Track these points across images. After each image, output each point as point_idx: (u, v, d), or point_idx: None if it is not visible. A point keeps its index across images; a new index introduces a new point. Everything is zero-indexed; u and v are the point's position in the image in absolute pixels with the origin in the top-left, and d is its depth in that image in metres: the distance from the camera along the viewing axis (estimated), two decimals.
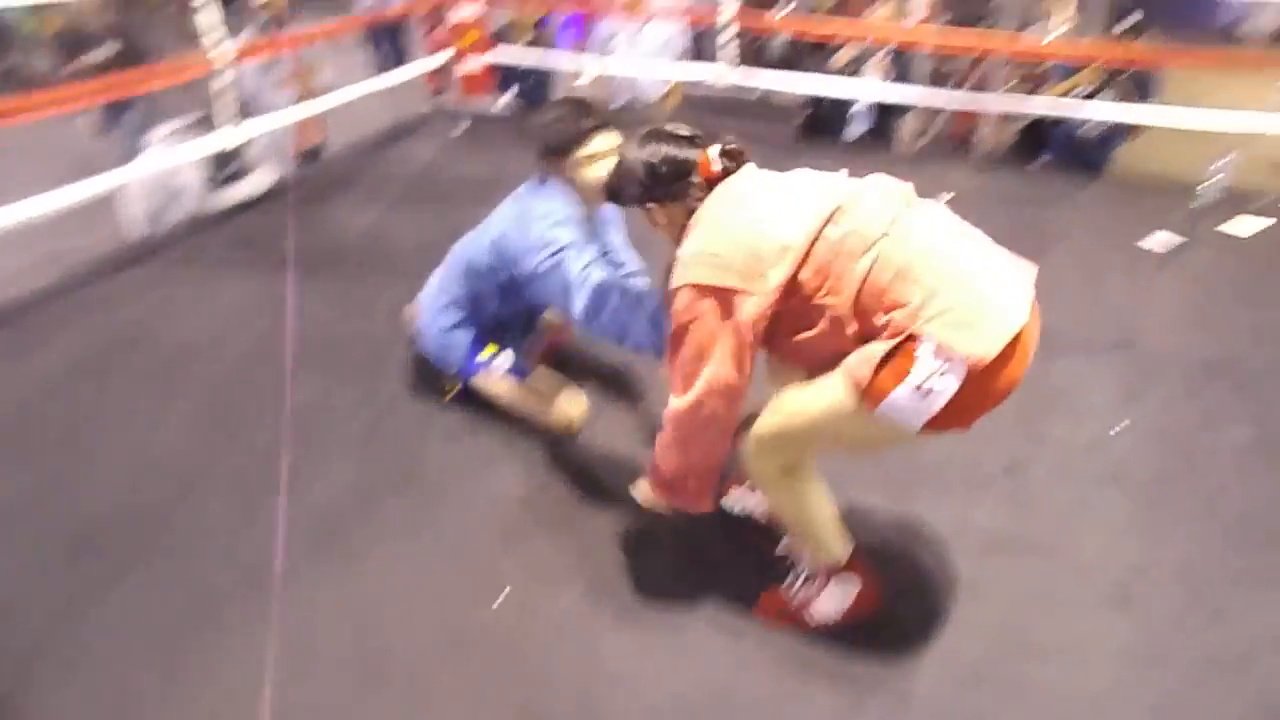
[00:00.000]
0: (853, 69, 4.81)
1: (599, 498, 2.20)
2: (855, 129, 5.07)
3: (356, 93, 4.53)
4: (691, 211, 1.64)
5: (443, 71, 5.18)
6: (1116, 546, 2.06)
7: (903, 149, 5.01)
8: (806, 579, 1.83)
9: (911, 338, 1.42)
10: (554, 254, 2.05)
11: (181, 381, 2.66)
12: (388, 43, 7.56)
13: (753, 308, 1.52)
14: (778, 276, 1.50)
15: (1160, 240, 3.72)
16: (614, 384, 2.67)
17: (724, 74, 4.67)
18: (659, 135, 1.68)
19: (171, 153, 3.67)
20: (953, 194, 3.97)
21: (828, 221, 1.50)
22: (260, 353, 2.77)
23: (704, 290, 1.54)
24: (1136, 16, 4.40)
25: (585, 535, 2.08)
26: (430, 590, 1.93)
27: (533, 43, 5.42)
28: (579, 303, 2.00)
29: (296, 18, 4.62)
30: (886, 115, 5.02)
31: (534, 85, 5.46)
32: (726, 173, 1.64)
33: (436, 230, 3.64)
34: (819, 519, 1.74)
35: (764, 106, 5.69)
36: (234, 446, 2.36)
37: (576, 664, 1.77)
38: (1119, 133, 4.50)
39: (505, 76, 5.39)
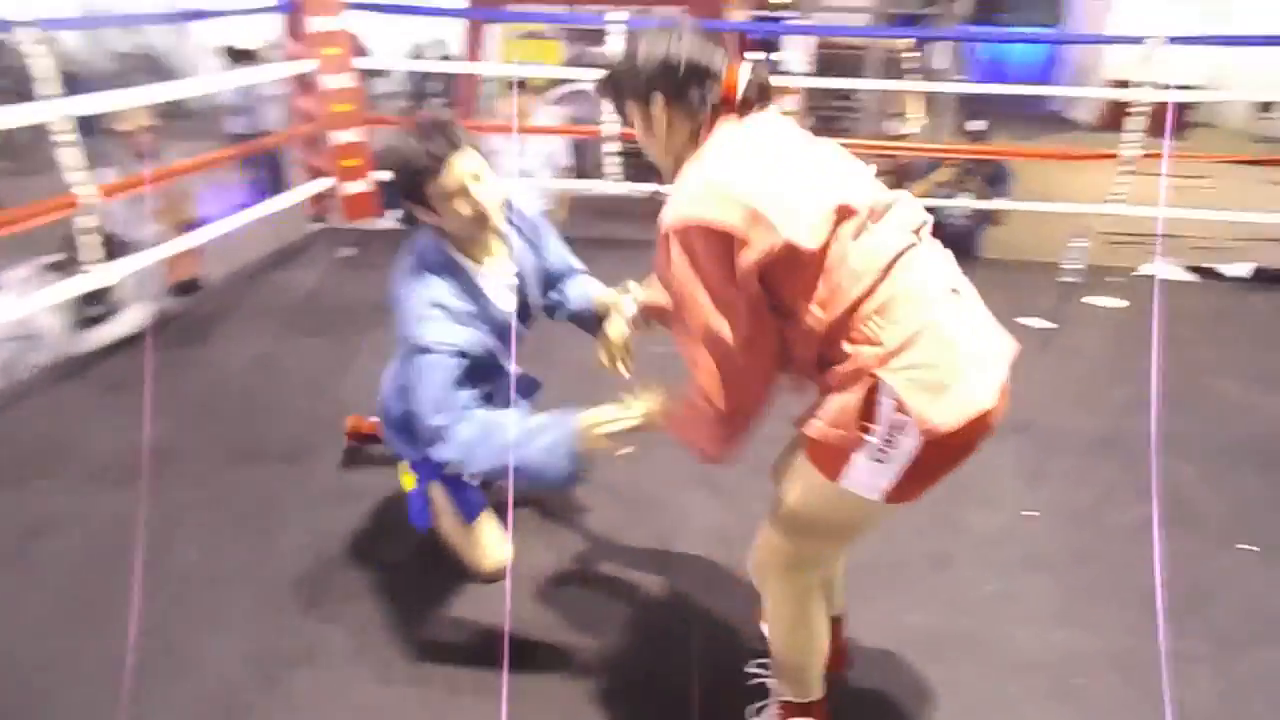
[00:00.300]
0: None
1: (528, 662, 2.06)
2: None
3: (233, 224, 4.38)
4: (696, 131, 1.41)
5: (324, 194, 5.09)
6: (1048, 636, 2.07)
7: None
8: (766, 709, 1.73)
9: (874, 386, 1.32)
10: (414, 360, 1.75)
11: (38, 560, 2.34)
12: (263, 167, 7.44)
13: (753, 255, 1.30)
14: (792, 234, 1.29)
15: (1037, 319, 3.94)
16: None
17: (609, 186, 4.77)
18: (682, 30, 1.42)
19: (29, 297, 3.42)
20: None
21: (851, 218, 1.34)
22: (133, 515, 2.53)
23: (694, 232, 1.31)
24: (981, 124, 4.78)
25: (534, 691, 1.93)
26: None
27: None
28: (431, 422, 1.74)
29: (165, 144, 4.47)
30: None
31: None
32: (748, 105, 1.41)
33: (327, 359, 3.51)
34: (811, 646, 1.62)
35: (653, 206, 5.84)
36: (98, 632, 2.02)
37: None
38: (985, 219, 4.81)
39: (390, 194, 5.34)
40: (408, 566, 2.30)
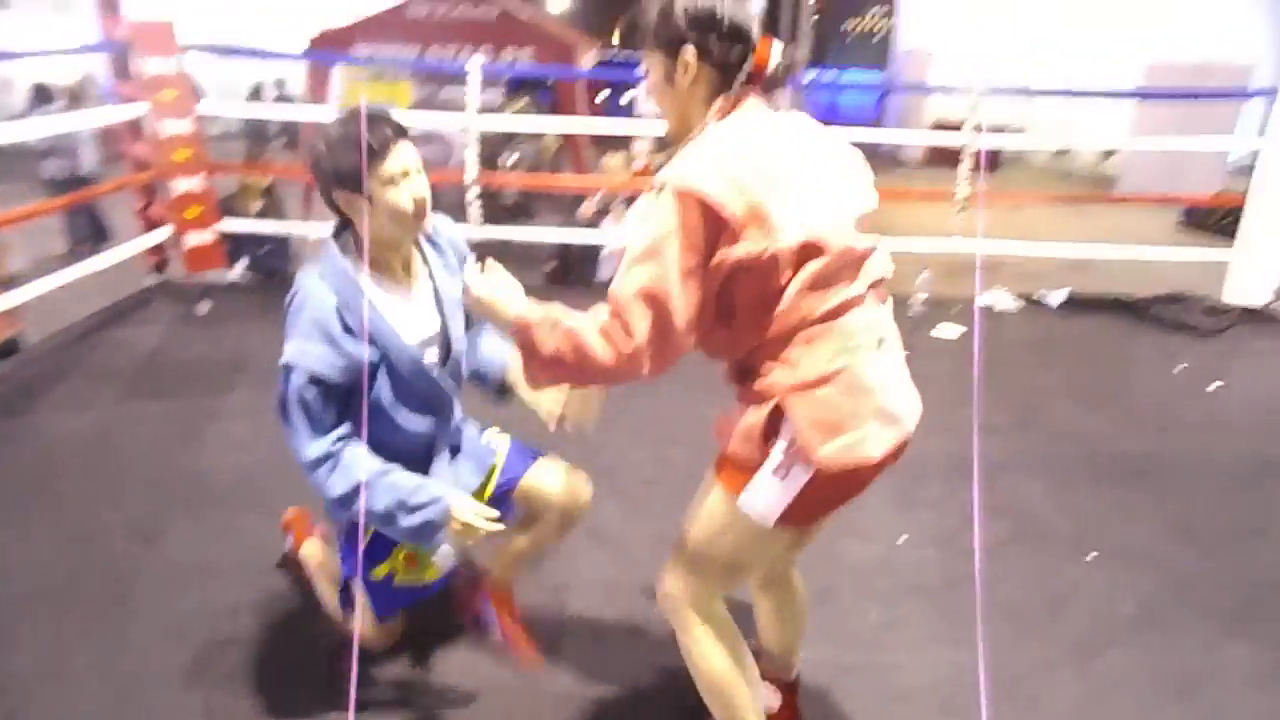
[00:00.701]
0: (599, 217, 5.05)
1: None
2: (606, 270, 5.29)
3: (58, 280, 4.02)
4: (716, 94, 1.38)
5: (163, 246, 4.76)
6: (930, 660, 2.17)
7: None
8: None
9: (779, 409, 1.37)
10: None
11: None
12: (85, 216, 6.92)
13: (738, 251, 1.30)
14: (783, 246, 1.30)
15: None
16: None
17: (474, 231, 4.71)
18: None
19: None
20: None
21: (825, 255, 1.36)
22: None
23: (693, 200, 1.28)
24: None
25: None
26: None
27: (265, 209, 5.16)
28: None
29: None
30: None
31: (269, 253, 5.17)
32: (774, 83, 1.41)
33: (173, 427, 3.26)
34: (730, 679, 1.59)
35: (511, 251, 5.80)
36: None
37: None
38: None
39: (235, 245, 5.06)
40: (280, 648, 2.15)
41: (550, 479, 1.97)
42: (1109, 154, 12.92)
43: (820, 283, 1.36)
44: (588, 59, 9.45)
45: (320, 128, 1.68)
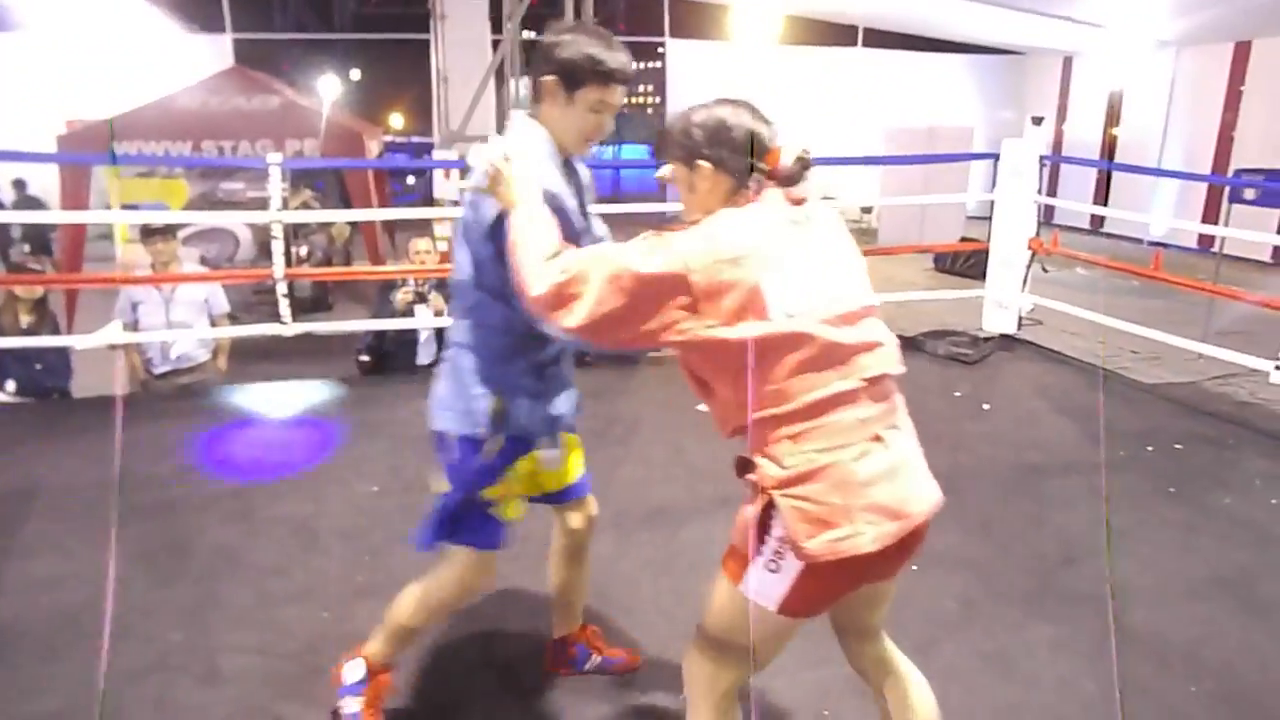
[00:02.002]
0: (414, 303, 5.02)
1: None
2: (424, 355, 5.25)
3: None
4: (734, 192, 1.54)
5: None
6: (799, 678, 2.35)
7: None
8: None
9: (770, 503, 1.47)
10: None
11: None
12: None
13: (684, 320, 1.45)
14: (729, 334, 1.43)
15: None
16: None
17: (284, 328, 4.54)
18: (740, 103, 1.57)
19: None
20: None
21: (806, 347, 1.45)
22: None
23: (673, 274, 1.44)
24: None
25: None
26: None
27: (34, 325, 4.69)
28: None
29: None
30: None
31: (44, 371, 4.69)
32: (791, 180, 1.54)
33: None
34: None
35: (322, 343, 5.64)
36: None
37: None
38: None
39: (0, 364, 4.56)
40: None
41: (588, 510, 2.21)
42: (867, 209, 14.46)
43: (802, 370, 1.45)
44: (374, 146, 9.42)
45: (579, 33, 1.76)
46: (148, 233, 4.58)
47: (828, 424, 1.45)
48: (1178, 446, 4.11)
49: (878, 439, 1.50)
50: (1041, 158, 5.47)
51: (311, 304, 8.52)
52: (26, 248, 10.72)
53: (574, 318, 1.47)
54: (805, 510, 1.43)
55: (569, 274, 1.48)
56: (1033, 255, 5.66)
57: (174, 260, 4.67)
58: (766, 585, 1.50)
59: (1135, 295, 6.73)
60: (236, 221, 7.30)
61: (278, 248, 4.43)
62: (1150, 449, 4.08)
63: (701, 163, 1.54)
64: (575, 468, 2.13)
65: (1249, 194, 7.18)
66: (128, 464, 3.78)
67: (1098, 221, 12.34)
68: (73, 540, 3.09)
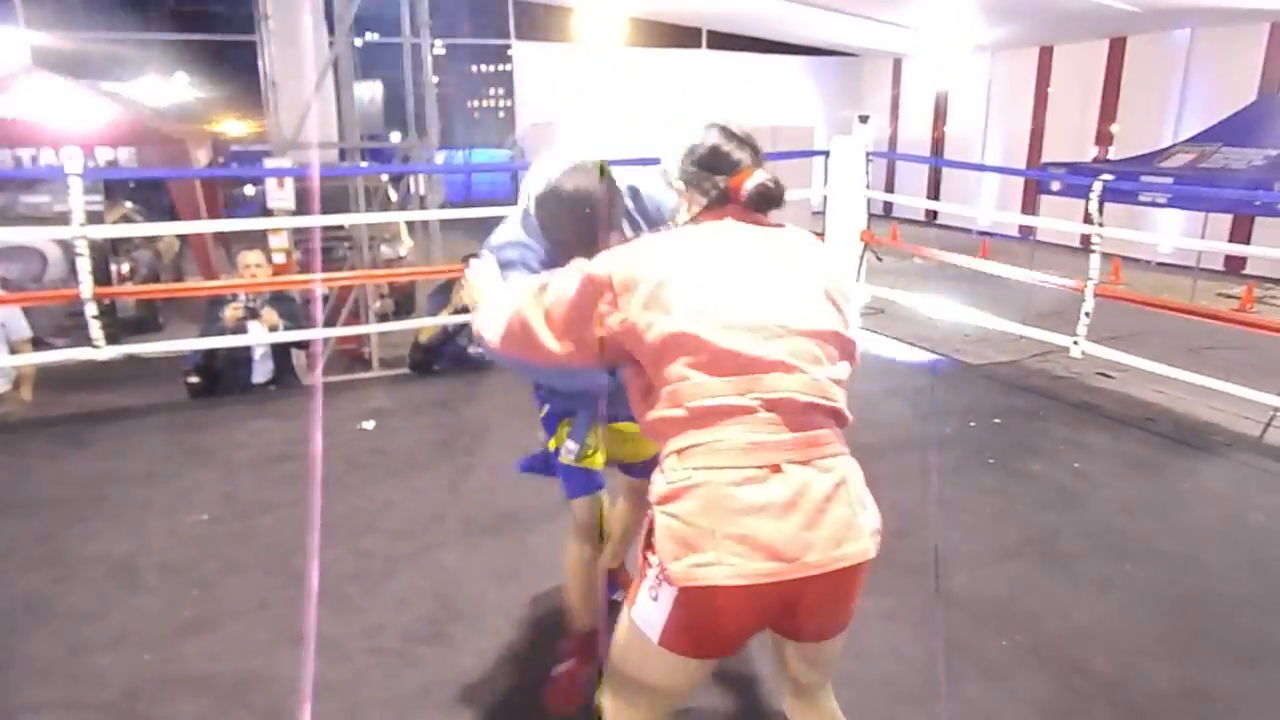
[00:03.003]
0: (245, 319, 4.76)
1: None
2: (260, 373, 5.00)
3: None
4: (704, 213, 1.55)
5: None
6: None
7: (308, 380, 5.10)
8: None
9: (653, 520, 1.40)
10: None
11: None
12: None
13: (608, 313, 1.47)
14: (669, 322, 1.41)
15: None
16: None
17: (98, 352, 4.20)
18: (717, 125, 1.58)
19: None
20: (373, 423, 4.22)
21: (705, 355, 1.40)
22: None
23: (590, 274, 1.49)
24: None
25: None
26: None
27: None
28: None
29: None
30: (286, 356, 5.07)
31: None
32: (750, 206, 1.51)
33: None
34: None
35: (147, 366, 5.26)
36: None
37: None
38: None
39: None
40: None
41: None
42: None
43: (695, 371, 1.39)
44: (202, 154, 8.86)
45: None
46: None
47: (714, 440, 1.37)
48: (997, 421, 4.43)
49: (776, 469, 1.36)
50: (869, 154, 5.77)
51: (138, 325, 7.92)
52: None
53: (519, 338, 1.59)
54: (674, 529, 1.35)
55: (513, 311, 1.60)
56: (865, 247, 5.97)
57: None
58: (648, 613, 1.41)
59: (965, 281, 7.19)
60: (41, 238, 6.69)
61: (83, 265, 4.08)
62: (973, 424, 4.38)
63: (676, 182, 1.60)
64: (647, 450, 2.14)
65: (1055, 186, 7.82)
66: None
67: (932, 214, 13.08)
68: None
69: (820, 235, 6.46)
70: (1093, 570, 2.99)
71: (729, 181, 1.52)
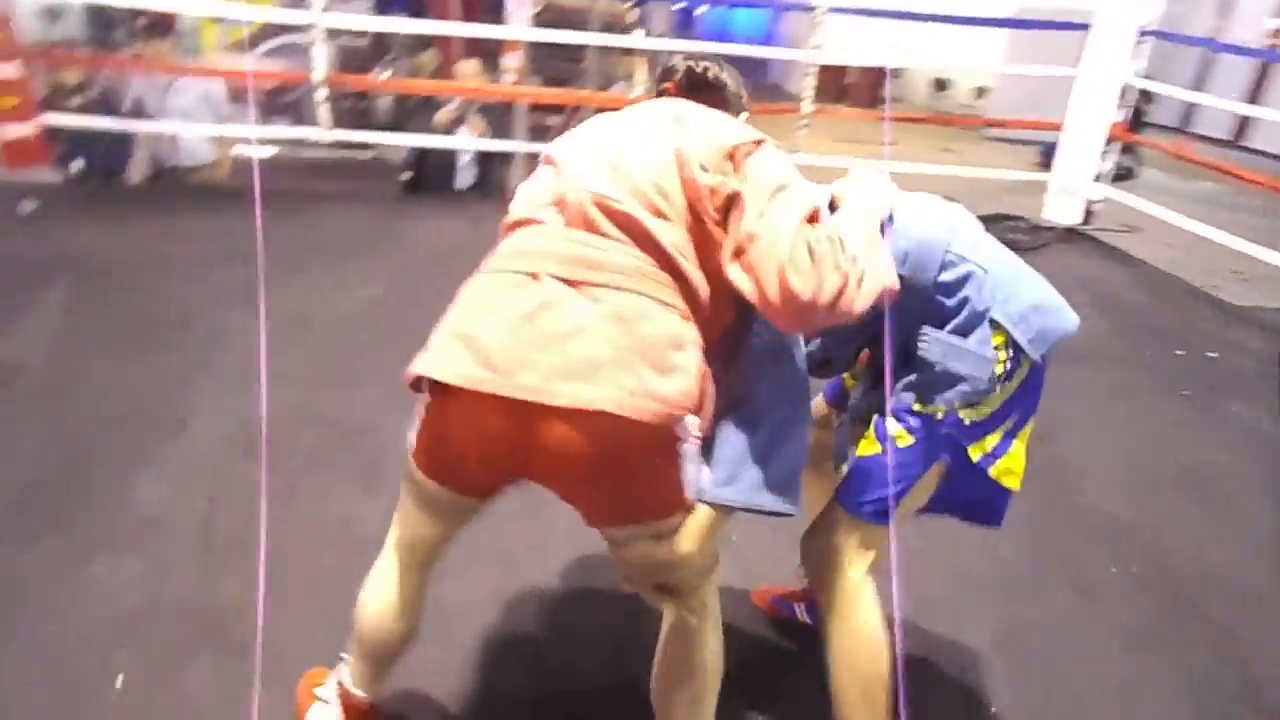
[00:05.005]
0: (455, 124, 5.03)
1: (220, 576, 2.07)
2: (463, 179, 5.30)
3: None
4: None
5: None
6: None
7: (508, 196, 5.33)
8: None
9: None
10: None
11: None
12: None
13: None
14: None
15: None
16: None
17: (321, 134, 4.62)
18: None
19: None
20: None
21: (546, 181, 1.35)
22: None
23: None
24: None
25: (213, 609, 1.94)
26: (27, 711, 1.68)
27: (85, 106, 4.86)
28: None
29: None
30: (490, 165, 5.32)
31: (108, 153, 4.91)
32: (680, 88, 1.49)
33: None
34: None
35: (366, 166, 5.74)
36: None
37: None
38: None
39: (71, 144, 4.81)
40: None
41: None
42: (982, 92, 13.44)
43: (520, 200, 1.36)
44: None
45: None
46: (147, 35, 4.78)
47: (494, 257, 1.30)
48: (1211, 355, 3.86)
49: (533, 277, 1.21)
50: (1143, 32, 4.94)
51: (385, 124, 8.51)
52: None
53: None
54: (443, 325, 1.26)
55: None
56: (1115, 146, 5.22)
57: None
58: (411, 424, 1.34)
59: (1261, 215, 6.00)
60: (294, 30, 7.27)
61: (319, 52, 4.44)
62: (1181, 353, 3.84)
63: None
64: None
65: None
66: (167, 248, 4.01)
67: (1241, 130, 10.52)
68: (90, 306, 3.34)
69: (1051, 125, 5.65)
70: (1251, 521, 2.63)
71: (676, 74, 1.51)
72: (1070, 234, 5.31)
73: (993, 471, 1.51)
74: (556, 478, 1.26)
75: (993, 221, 5.29)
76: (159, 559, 2.08)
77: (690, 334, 1.24)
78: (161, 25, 4.84)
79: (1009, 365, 1.46)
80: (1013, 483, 1.54)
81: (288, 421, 2.63)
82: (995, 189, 6.14)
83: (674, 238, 1.24)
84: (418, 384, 1.27)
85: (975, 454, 1.49)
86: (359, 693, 1.53)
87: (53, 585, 1.97)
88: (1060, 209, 5.30)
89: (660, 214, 1.24)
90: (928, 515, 1.59)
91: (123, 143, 4.99)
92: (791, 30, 15.55)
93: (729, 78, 1.51)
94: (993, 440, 1.50)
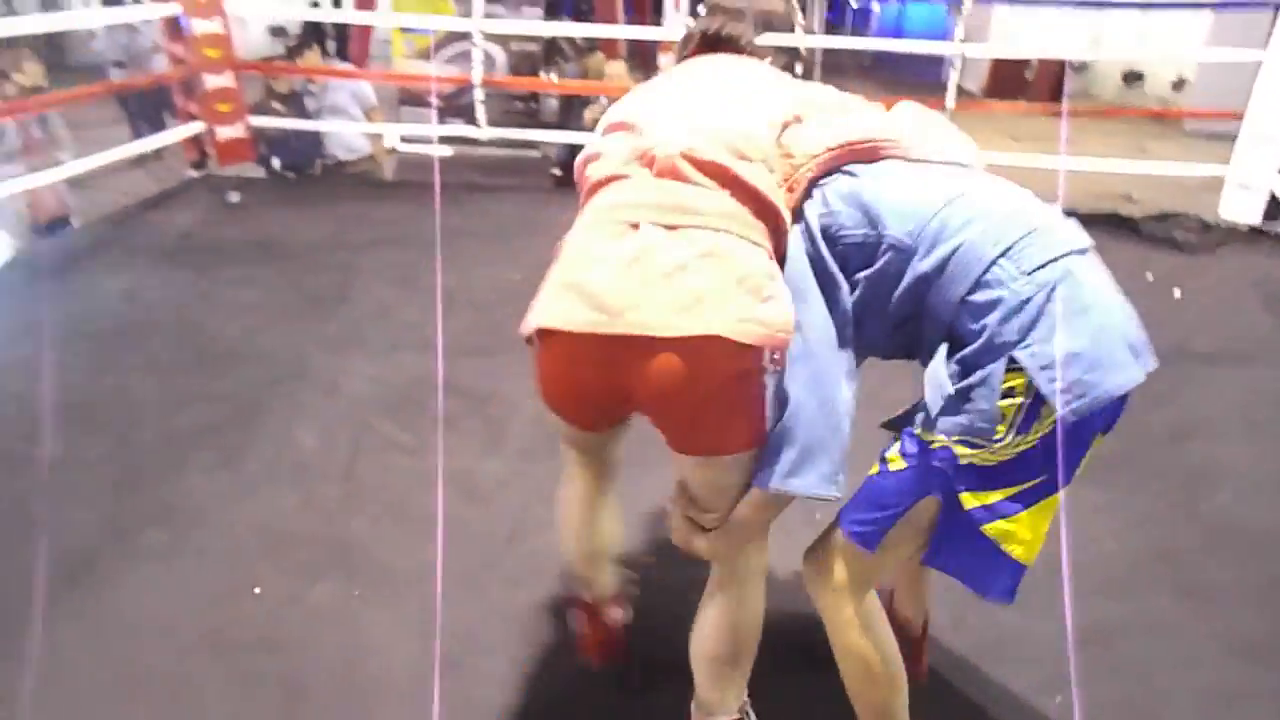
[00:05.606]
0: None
1: (366, 514, 2.37)
2: None
3: (99, 160, 4.47)
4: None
5: (199, 140, 5.17)
6: None
7: None
8: None
9: None
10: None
11: None
12: (146, 119, 7.35)
13: None
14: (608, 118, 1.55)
15: None
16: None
17: (477, 132, 5.00)
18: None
19: None
20: None
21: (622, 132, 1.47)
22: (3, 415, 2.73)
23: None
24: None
25: (343, 539, 2.24)
26: (188, 602, 2.02)
27: (289, 114, 5.48)
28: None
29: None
30: None
31: (297, 150, 5.52)
32: (703, 47, 1.64)
33: (191, 292, 3.69)
34: None
35: (529, 163, 6.13)
36: None
37: (335, 640, 1.92)
38: None
39: (270, 144, 5.45)
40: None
41: None
42: (1179, 84, 12.36)
43: (599, 156, 1.44)
44: None
45: None
46: (297, 48, 5.39)
47: (593, 207, 1.38)
48: None
49: (633, 226, 1.29)
50: None
51: (555, 127, 8.93)
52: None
53: None
54: (552, 275, 1.35)
55: None
56: None
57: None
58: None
59: None
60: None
61: (477, 54, 4.81)
62: None
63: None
64: None
65: None
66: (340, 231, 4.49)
67: None
68: (279, 281, 3.82)
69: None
70: None
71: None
72: (1253, 233, 4.87)
73: (988, 530, 1.30)
74: (657, 405, 1.34)
75: (1157, 221, 4.95)
76: (307, 495, 2.41)
77: (778, 270, 1.34)
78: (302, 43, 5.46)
79: (1022, 415, 1.24)
80: (1019, 552, 1.32)
81: (426, 385, 2.93)
82: (1175, 189, 5.72)
83: (762, 180, 1.35)
84: (530, 338, 1.40)
85: (969, 502, 1.30)
86: (587, 597, 1.76)
87: (224, 509, 2.34)
88: (1238, 206, 4.86)
89: (745, 158, 1.35)
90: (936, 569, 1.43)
91: (306, 140, 5.60)
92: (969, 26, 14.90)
93: (743, 28, 1.62)
94: (996, 496, 1.30)
